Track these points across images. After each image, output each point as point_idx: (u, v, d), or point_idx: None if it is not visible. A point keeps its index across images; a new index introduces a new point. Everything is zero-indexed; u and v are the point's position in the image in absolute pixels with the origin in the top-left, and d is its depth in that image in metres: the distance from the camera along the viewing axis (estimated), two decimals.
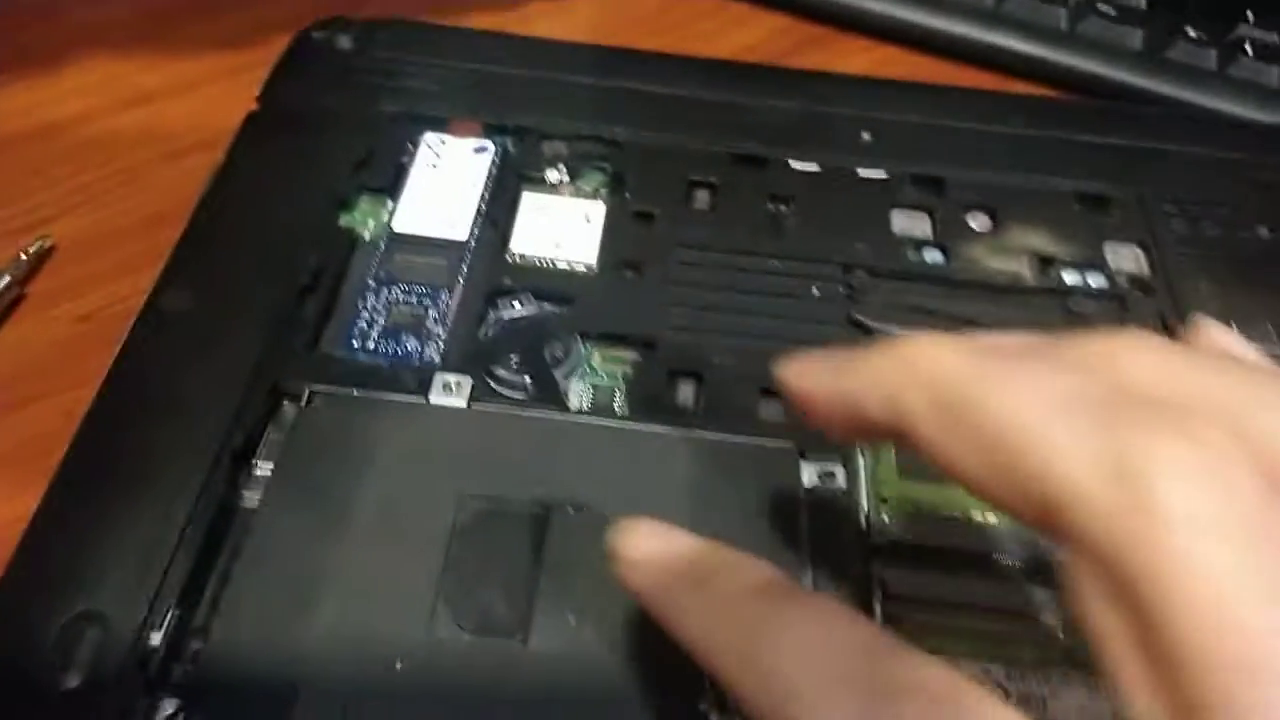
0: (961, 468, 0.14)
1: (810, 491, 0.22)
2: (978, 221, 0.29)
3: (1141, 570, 0.12)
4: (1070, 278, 0.28)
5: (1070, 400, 0.13)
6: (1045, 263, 0.28)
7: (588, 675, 0.19)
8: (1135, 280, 0.28)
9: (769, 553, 0.21)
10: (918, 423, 0.15)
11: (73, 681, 0.18)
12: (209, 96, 0.35)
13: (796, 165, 0.30)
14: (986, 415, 0.14)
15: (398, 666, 0.19)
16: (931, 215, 0.29)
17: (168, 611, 0.19)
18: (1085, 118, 0.33)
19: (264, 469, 0.22)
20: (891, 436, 0.16)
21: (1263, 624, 0.11)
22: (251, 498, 0.22)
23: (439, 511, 0.21)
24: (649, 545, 0.18)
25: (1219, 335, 0.17)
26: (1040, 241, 0.29)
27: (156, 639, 0.19)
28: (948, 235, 0.29)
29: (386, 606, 0.20)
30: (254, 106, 0.30)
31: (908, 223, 0.29)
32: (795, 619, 0.15)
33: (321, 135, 0.29)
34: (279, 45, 0.33)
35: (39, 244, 0.29)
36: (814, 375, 0.17)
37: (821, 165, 0.30)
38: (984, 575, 0.21)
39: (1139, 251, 0.29)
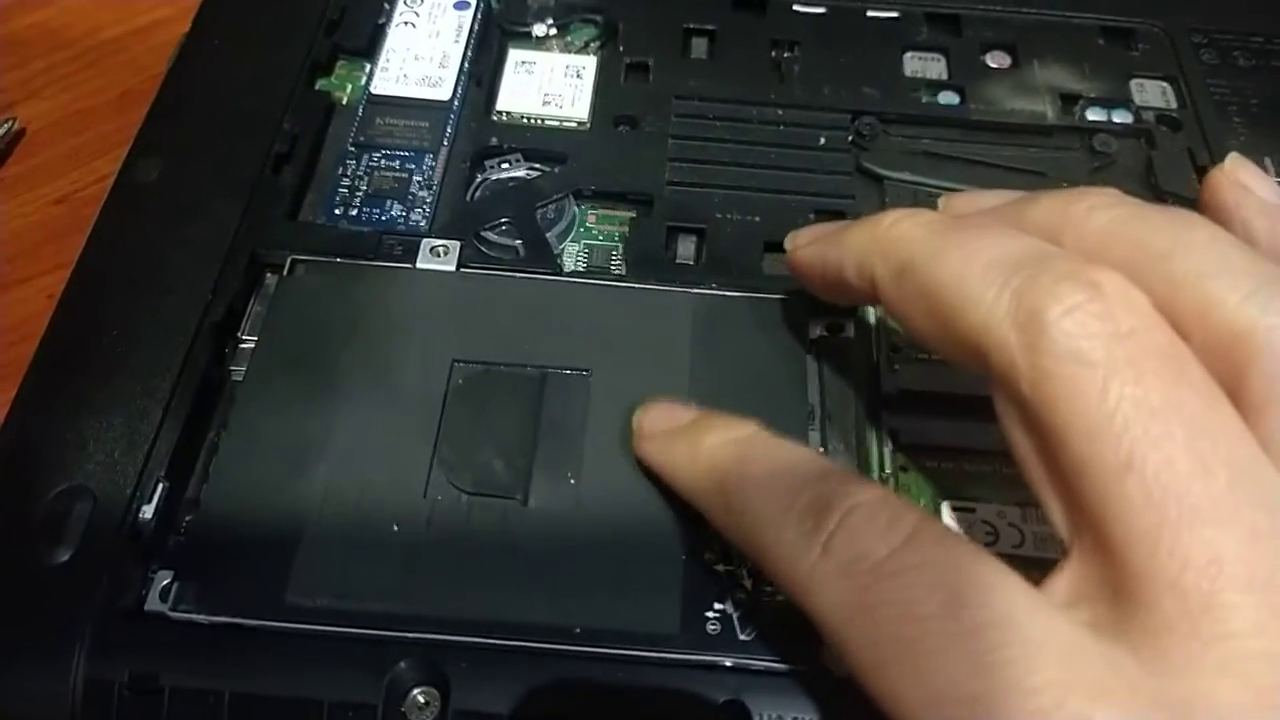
0: (914, 324, 0.16)
1: (818, 343, 0.21)
2: (996, 60, 0.28)
3: (1036, 398, 0.14)
4: (1095, 115, 0.26)
5: (1003, 260, 0.15)
6: (1069, 100, 0.27)
7: (589, 532, 0.19)
8: (1163, 116, 0.26)
9: (778, 404, 0.20)
10: (881, 286, 0.17)
11: (63, 555, 0.18)
12: None
13: (800, 8, 0.28)
14: (930, 278, 0.16)
15: (394, 529, 0.19)
16: (946, 56, 0.28)
17: (156, 484, 0.19)
18: None
19: (250, 342, 0.21)
20: (867, 299, 0.18)
21: (1123, 432, 0.13)
22: (240, 372, 0.21)
23: (431, 377, 0.20)
24: (660, 421, 0.19)
25: (1243, 171, 0.18)
26: (1063, 78, 0.27)
27: (148, 511, 0.19)
28: (964, 76, 0.27)
29: (380, 471, 0.19)
30: None
31: (921, 65, 0.28)
32: (760, 460, 0.17)
33: None
34: None
35: (6, 126, 0.28)
36: (806, 246, 0.19)
37: (827, 7, 0.28)
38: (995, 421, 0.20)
39: (1166, 86, 0.27)
